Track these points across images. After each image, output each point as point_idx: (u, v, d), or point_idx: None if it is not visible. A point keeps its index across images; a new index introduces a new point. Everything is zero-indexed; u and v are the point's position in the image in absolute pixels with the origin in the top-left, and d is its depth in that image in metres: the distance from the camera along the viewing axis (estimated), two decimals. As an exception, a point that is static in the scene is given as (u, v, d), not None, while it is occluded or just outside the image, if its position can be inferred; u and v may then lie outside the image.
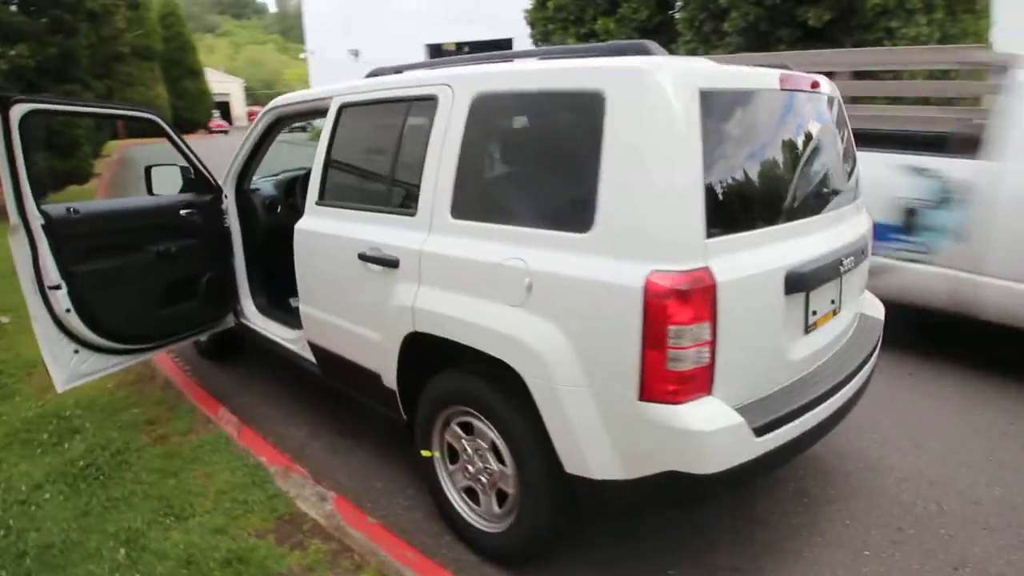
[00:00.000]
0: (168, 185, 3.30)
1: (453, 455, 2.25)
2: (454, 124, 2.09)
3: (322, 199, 2.65)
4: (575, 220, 1.74)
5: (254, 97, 51.75)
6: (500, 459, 2.07)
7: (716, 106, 1.71)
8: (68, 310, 2.69)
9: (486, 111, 2.04)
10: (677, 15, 10.60)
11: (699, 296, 1.57)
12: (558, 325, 1.75)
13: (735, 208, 1.78)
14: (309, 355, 2.94)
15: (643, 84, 1.66)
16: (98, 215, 2.86)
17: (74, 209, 2.75)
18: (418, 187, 2.20)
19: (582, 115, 1.75)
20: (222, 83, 47.47)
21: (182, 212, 3.19)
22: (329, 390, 3.33)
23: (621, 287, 1.62)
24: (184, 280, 3.17)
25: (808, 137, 2.12)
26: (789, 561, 2.14)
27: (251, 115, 39.16)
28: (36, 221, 2.59)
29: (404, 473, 2.69)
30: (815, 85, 2.16)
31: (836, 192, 2.24)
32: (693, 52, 10.09)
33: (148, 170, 3.29)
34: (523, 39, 21.19)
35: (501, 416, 1.99)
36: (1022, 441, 2.88)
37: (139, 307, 2.97)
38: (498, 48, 25.53)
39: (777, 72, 1.99)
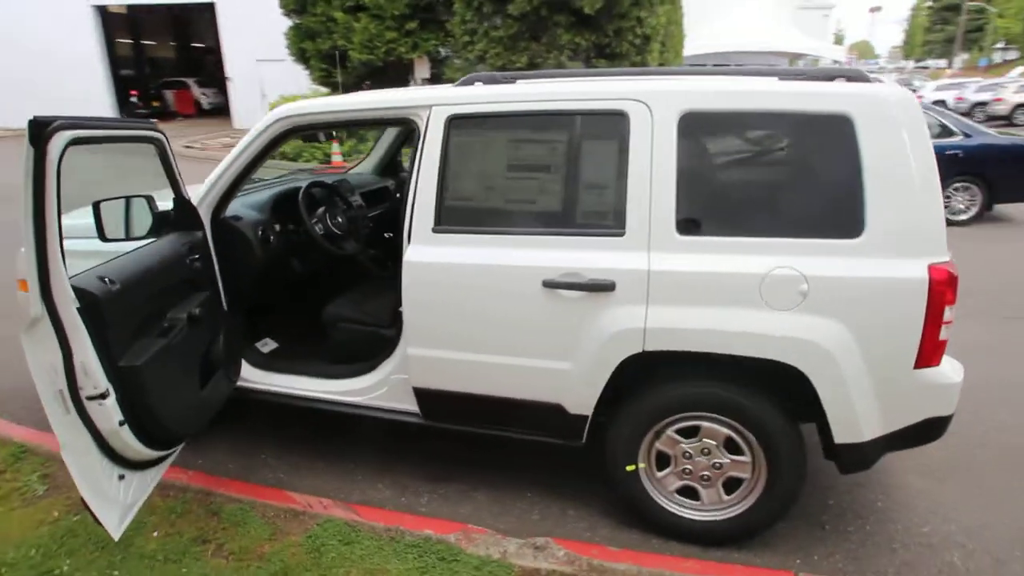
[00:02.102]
0: (122, 226, 2.42)
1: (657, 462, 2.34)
2: (662, 143, 2.09)
3: (442, 224, 2.32)
4: (843, 227, 1.98)
5: None
6: (734, 451, 2.25)
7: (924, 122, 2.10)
8: (122, 422, 1.88)
9: (702, 129, 2.10)
10: (454, -6, 10.75)
11: (954, 280, 1.99)
12: (839, 321, 2.00)
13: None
14: (399, 403, 2.59)
15: (888, 108, 1.97)
16: (136, 281, 2.00)
17: (109, 279, 1.89)
18: (615, 207, 2.15)
19: (832, 135, 1.98)
20: None
21: (188, 260, 2.40)
22: (354, 432, 3.08)
23: (905, 279, 1.94)
24: (210, 346, 2.42)
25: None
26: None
27: None
28: (70, 305, 1.73)
29: (546, 493, 2.64)
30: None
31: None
32: (472, 32, 10.44)
33: (97, 207, 2.37)
34: (227, 5, 18.88)
35: (750, 411, 2.16)
36: None
37: (186, 395, 2.20)
38: (195, 9, 22.20)
39: None
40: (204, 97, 25.68)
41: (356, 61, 11.01)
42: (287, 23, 16.87)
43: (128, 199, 2.41)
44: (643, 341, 2.14)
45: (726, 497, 2.32)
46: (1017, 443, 3.02)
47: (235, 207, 2.81)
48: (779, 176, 2.16)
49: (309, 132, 2.88)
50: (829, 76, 2.14)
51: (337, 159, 11.55)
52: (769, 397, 2.16)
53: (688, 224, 2.10)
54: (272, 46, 18.99)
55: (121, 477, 1.96)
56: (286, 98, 13.74)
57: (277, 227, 2.93)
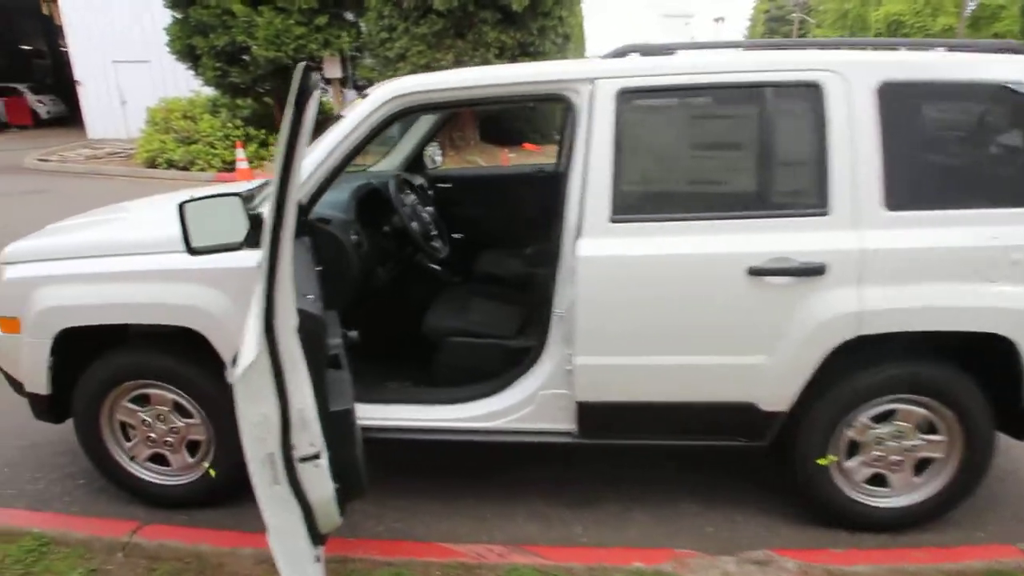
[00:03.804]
0: (211, 232, 1.90)
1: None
2: (861, 115, 1.99)
3: (621, 213, 2.05)
4: (1049, 194, 1.99)
5: None
6: (929, 431, 2.19)
7: None
8: (338, 489, 1.41)
9: (901, 100, 2.01)
10: (370, -12, 10.12)
11: None
12: None
13: None
14: (548, 423, 2.28)
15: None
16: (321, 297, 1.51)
17: (311, 295, 1.41)
18: (816, 184, 2.02)
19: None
20: None
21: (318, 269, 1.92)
22: (444, 464, 2.70)
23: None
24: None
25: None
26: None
27: None
28: (292, 336, 1.25)
29: (703, 502, 2.47)
30: None
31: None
32: (391, 29, 9.91)
33: (183, 211, 1.83)
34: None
35: (950, 388, 2.11)
36: None
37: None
38: (20, 7, 19.18)
39: None
40: (41, 106, 22.34)
41: (260, 58, 10.01)
42: (148, 19, 15.12)
43: (218, 198, 1.90)
44: (858, 325, 2.02)
45: (915, 480, 2.27)
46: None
47: (331, 211, 2.33)
48: (981, 146, 2.13)
49: (427, 112, 2.45)
50: (996, 48, 2.15)
51: (243, 166, 10.45)
52: (965, 372, 2.13)
53: (895, 199, 2.01)
54: (131, 46, 17.01)
55: (317, 559, 1.48)
56: (169, 101, 12.29)
57: (367, 230, 2.47)
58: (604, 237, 2.05)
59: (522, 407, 2.29)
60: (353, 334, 1.86)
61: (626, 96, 2.03)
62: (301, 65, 1.18)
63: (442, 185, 3.62)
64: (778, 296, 2.03)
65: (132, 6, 16.31)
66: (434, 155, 3.78)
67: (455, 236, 3.25)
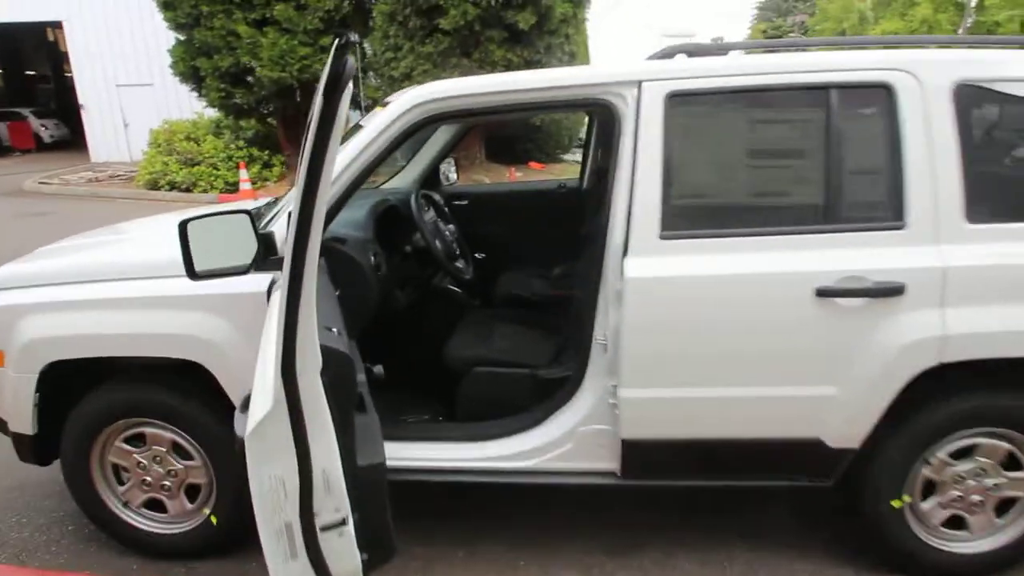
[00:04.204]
0: (220, 252, 1.70)
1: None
2: (938, 119, 1.79)
3: (672, 229, 1.84)
4: None
5: None
6: (1013, 467, 1.96)
7: None
8: (365, 560, 1.19)
9: (980, 102, 1.83)
10: (374, 7, 10.05)
11: None
12: None
13: None
14: (587, 462, 2.06)
15: None
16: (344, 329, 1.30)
17: (336, 328, 1.20)
18: (889, 195, 1.82)
19: None
20: None
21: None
22: (462, 506, 2.47)
23: None
24: None
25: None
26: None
27: None
28: (316, 380, 1.04)
29: (753, 546, 2.23)
30: None
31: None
32: (396, 48, 9.83)
33: (185, 231, 1.63)
34: (79, 25, 16.65)
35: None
36: None
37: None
38: (25, 34, 19.36)
39: None
40: (44, 130, 22.32)
41: (265, 79, 9.90)
42: (153, 42, 15.13)
43: (224, 215, 1.70)
44: (940, 351, 1.80)
45: (998, 521, 2.03)
46: None
47: (348, 231, 2.13)
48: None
49: (453, 121, 2.27)
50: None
51: (246, 187, 10.31)
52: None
53: (977, 210, 1.80)
54: (135, 69, 17.03)
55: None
56: (172, 123, 12.20)
57: (380, 249, 2.26)
58: (654, 256, 1.84)
59: (558, 445, 2.06)
60: (378, 369, 1.65)
61: (676, 100, 1.84)
62: (337, 42, 0.98)
63: (458, 202, 3.43)
64: (850, 320, 1.81)
65: (136, 29, 16.33)
66: (448, 172, 3.60)
67: (478, 256, 3.04)
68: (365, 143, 1.94)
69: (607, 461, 2.04)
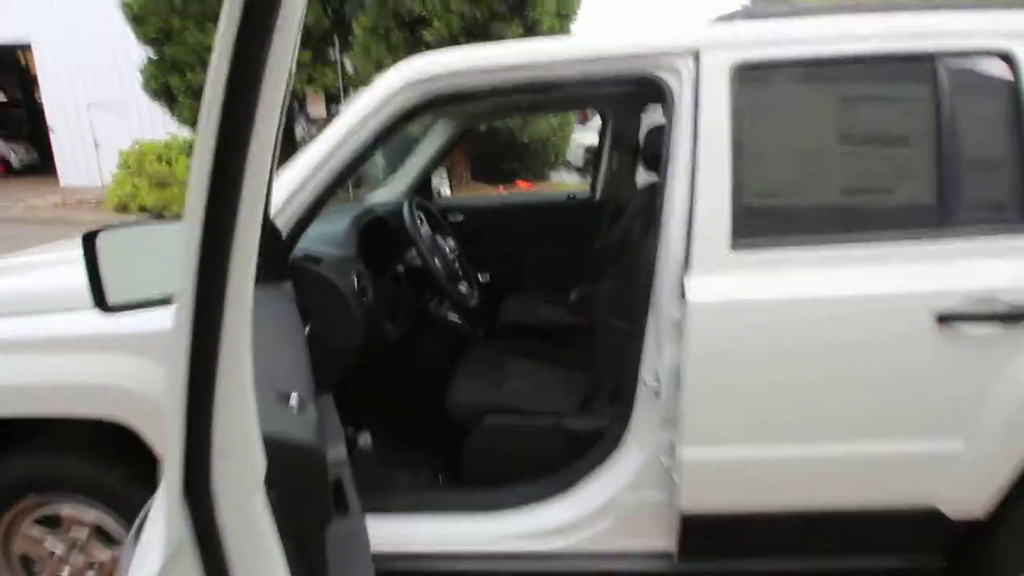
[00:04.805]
0: (143, 276, 1.23)
1: None
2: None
3: (747, 238, 1.42)
4: None
5: None
6: None
7: None
8: None
9: None
10: (355, 21, 9.69)
11: None
12: None
13: None
14: (634, 540, 1.61)
15: None
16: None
17: (299, 396, 0.74)
18: (1021, 193, 1.42)
19: None
20: None
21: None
22: None
23: None
24: None
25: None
26: None
27: None
28: (249, 508, 0.58)
29: None
30: None
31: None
32: (379, 63, 9.46)
33: (91, 244, 1.17)
34: (47, 45, 16.20)
35: None
36: None
37: None
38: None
39: None
40: (14, 154, 21.59)
41: (241, 97, 9.44)
42: (124, 61, 14.64)
43: (145, 227, 1.25)
44: (1103, 395, 1.39)
45: None
46: None
47: (322, 247, 1.68)
48: None
49: (457, 104, 1.84)
50: None
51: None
52: None
53: None
54: (105, 88, 16.49)
55: None
56: (143, 144, 11.67)
57: (365, 272, 1.80)
58: (724, 273, 1.42)
59: (595, 520, 1.61)
60: (364, 439, 1.19)
61: (747, 74, 1.43)
62: None
63: (454, 219, 3.00)
64: (978, 352, 1.40)
65: (107, 48, 15.84)
66: (440, 187, 3.17)
67: (481, 277, 2.59)
68: (342, 137, 1.51)
69: (659, 539, 1.59)
